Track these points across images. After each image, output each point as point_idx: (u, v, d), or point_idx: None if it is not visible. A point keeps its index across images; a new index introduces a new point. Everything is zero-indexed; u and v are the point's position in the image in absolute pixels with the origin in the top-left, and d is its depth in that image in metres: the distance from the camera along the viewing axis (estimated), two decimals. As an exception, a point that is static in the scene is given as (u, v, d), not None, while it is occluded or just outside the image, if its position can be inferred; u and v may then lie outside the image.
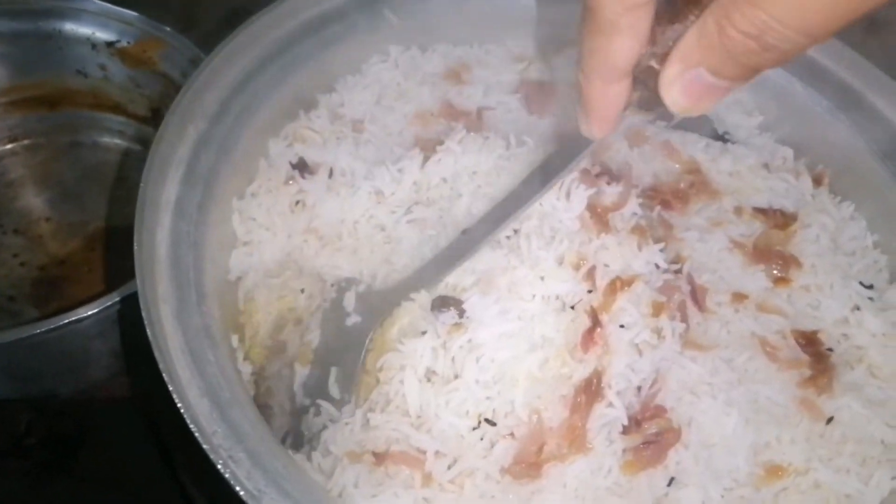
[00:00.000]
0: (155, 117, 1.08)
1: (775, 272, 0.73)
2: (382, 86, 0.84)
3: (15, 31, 1.03)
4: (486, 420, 0.59)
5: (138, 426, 0.91)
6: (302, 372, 0.65)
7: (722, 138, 0.85)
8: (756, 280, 0.72)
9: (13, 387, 0.87)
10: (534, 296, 0.64)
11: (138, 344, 0.85)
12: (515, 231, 0.68)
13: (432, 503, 0.57)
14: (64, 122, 1.12)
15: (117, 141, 1.14)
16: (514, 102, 0.85)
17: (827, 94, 0.83)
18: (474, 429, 0.59)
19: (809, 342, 0.68)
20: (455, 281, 0.66)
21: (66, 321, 0.75)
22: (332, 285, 0.70)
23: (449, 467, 0.58)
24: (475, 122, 0.83)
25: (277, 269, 0.71)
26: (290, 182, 0.75)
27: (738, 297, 0.70)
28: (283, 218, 0.73)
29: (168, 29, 1.01)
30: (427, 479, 0.58)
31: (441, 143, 0.76)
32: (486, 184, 0.74)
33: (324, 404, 0.63)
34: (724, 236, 0.73)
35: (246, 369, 0.65)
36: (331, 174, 0.74)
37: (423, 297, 0.66)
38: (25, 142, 1.12)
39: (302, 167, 0.76)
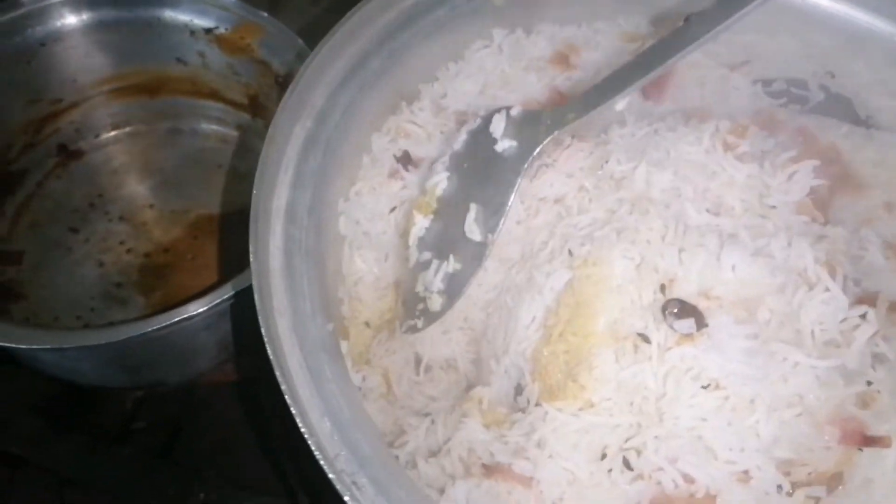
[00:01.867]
0: (253, 104, 1.08)
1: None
2: (486, 73, 0.80)
3: (116, 19, 1.04)
4: (625, 462, 0.55)
5: (239, 411, 0.93)
6: (422, 222, 0.61)
7: (865, 123, 0.76)
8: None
9: (123, 377, 0.89)
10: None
11: (244, 334, 0.87)
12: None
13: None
14: (164, 110, 1.14)
15: (215, 127, 1.14)
16: (628, 88, 0.80)
17: None
18: (610, 471, 0.56)
19: None
20: (701, 284, 0.60)
21: (178, 318, 0.76)
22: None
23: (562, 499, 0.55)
24: (585, 110, 0.77)
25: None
26: (395, 176, 0.73)
27: None
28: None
29: (265, 15, 1.00)
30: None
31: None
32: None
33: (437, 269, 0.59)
34: (874, 237, 0.66)
35: (356, 378, 0.64)
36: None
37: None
38: (128, 129, 1.15)
39: (406, 160, 0.73)
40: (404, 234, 0.70)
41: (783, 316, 0.60)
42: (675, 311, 0.59)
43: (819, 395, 0.57)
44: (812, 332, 0.60)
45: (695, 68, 0.80)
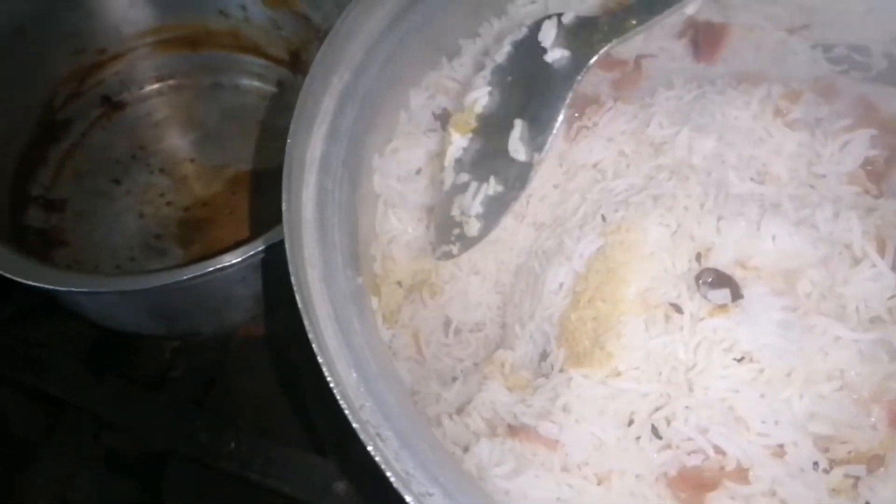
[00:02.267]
0: (294, 60, 1.07)
1: None
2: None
3: (159, -32, 1.04)
4: (654, 430, 0.54)
5: (272, 364, 0.94)
6: (459, 142, 0.57)
7: (930, 93, 0.72)
8: None
9: (160, 325, 0.91)
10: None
11: (277, 288, 0.88)
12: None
13: (577, 492, 0.54)
14: (206, 64, 1.14)
15: (257, 84, 1.14)
16: (678, 48, 0.76)
17: None
18: (638, 438, 0.54)
19: None
20: (738, 254, 0.57)
21: (212, 268, 0.76)
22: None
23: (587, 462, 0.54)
24: (633, 72, 0.75)
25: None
26: (431, 133, 0.71)
27: None
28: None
29: (308, -34, 0.99)
30: (564, 466, 0.55)
31: (595, 99, 0.69)
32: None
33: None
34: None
35: (385, 335, 0.64)
36: None
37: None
38: (170, 82, 1.15)
39: (445, 119, 0.72)
40: (439, 155, 0.67)
41: (825, 289, 0.57)
42: (710, 280, 0.57)
43: (861, 370, 0.55)
44: (856, 307, 0.57)
45: (751, 31, 0.76)
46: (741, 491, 0.53)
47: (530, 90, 0.57)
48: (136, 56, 1.11)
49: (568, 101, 0.56)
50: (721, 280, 0.57)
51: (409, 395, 0.56)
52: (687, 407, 0.55)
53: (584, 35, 0.58)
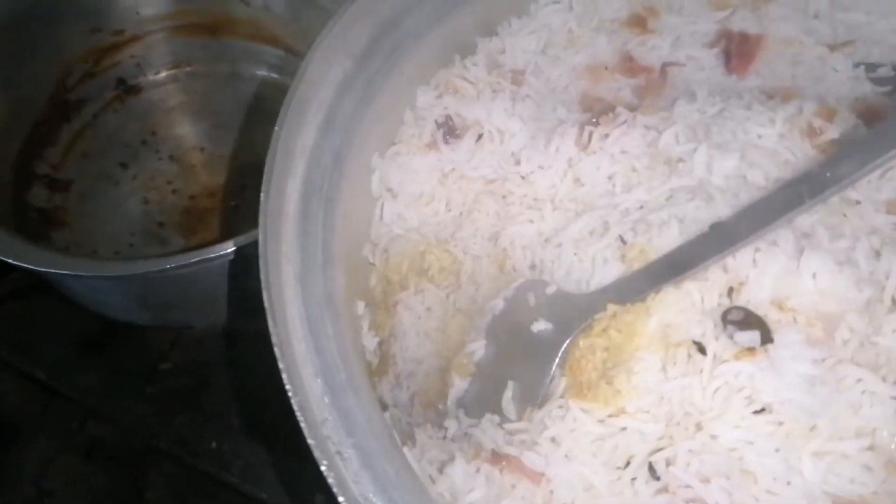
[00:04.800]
0: (312, 52, 1.04)
1: None
2: (551, 32, 0.74)
3: (180, -49, 1.02)
4: (651, 471, 0.49)
5: (267, 363, 0.91)
6: (460, 385, 0.57)
7: None
8: None
9: (150, 315, 0.88)
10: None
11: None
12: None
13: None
14: (224, 52, 1.11)
15: (275, 76, 1.11)
16: (708, 58, 0.71)
17: None
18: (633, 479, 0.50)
19: None
20: (776, 292, 0.53)
21: (198, 259, 0.73)
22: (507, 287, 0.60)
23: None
24: (657, 80, 0.70)
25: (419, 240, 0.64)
26: (432, 149, 0.67)
27: None
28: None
29: (329, -44, 0.96)
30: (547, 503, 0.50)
31: (613, 107, 0.64)
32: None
33: (492, 420, 0.55)
34: None
35: (371, 342, 0.60)
36: (478, 138, 0.65)
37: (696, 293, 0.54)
38: (187, 69, 1.13)
39: (449, 129, 0.67)
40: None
41: (863, 337, 0.52)
42: (739, 319, 0.52)
43: (894, 430, 0.49)
44: (888, 358, 0.51)
45: (789, 45, 0.71)
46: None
47: (520, 351, 0.57)
48: (154, 40, 1.09)
49: (554, 369, 0.56)
50: (750, 320, 0.52)
51: (383, 408, 0.52)
52: (690, 451, 0.50)
53: (563, 309, 0.57)
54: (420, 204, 0.66)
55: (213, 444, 0.83)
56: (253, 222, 1.03)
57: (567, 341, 0.56)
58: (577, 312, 0.57)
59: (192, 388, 0.89)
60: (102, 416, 0.87)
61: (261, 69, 1.12)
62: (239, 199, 1.03)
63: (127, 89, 1.10)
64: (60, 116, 1.05)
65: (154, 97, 1.11)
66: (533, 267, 0.61)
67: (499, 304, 0.59)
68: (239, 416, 0.86)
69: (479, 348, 0.58)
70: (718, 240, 0.55)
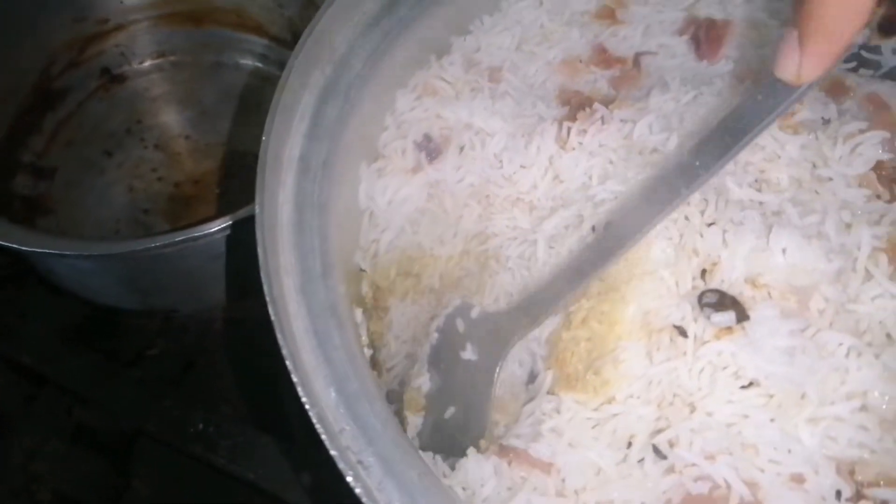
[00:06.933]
0: (296, 41, 1.04)
1: None
2: (524, 28, 0.75)
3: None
4: (656, 451, 0.50)
5: (253, 348, 0.91)
6: (414, 422, 0.57)
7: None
8: None
9: (135, 298, 0.89)
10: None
11: (255, 269, 0.85)
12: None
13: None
14: (208, 41, 1.12)
15: (258, 64, 1.12)
16: (679, 46, 0.73)
17: None
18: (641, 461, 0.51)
19: None
20: (748, 270, 0.54)
21: (182, 238, 0.74)
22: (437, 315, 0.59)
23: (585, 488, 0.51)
24: (631, 70, 0.72)
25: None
26: (418, 172, 0.68)
27: None
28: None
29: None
30: (560, 491, 0.51)
31: (590, 100, 0.66)
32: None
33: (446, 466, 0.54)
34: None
35: (369, 351, 0.61)
36: (461, 150, 0.66)
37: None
38: (171, 58, 1.13)
39: (430, 150, 0.68)
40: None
41: (838, 305, 0.54)
42: (713, 301, 0.54)
43: (885, 389, 0.51)
44: (868, 325, 0.54)
45: (755, 27, 0.73)
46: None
47: (459, 380, 0.58)
48: (138, 29, 1.09)
49: (492, 394, 0.56)
50: (725, 301, 0.54)
51: (394, 413, 0.53)
52: (691, 430, 0.51)
53: (490, 334, 0.58)
54: (407, 217, 0.67)
55: (200, 427, 0.83)
56: (237, 207, 1.05)
57: (499, 366, 0.57)
58: (498, 335, 0.57)
59: (178, 372, 0.90)
60: (89, 401, 0.87)
61: (245, 58, 1.13)
62: (224, 186, 1.04)
63: (112, 78, 1.11)
64: (45, 105, 1.05)
65: (139, 86, 1.12)
66: (511, 268, 0.62)
67: (434, 335, 0.59)
68: (225, 399, 0.88)
69: (423, 382, 0.58)
70: (607, 243, 0.56)
